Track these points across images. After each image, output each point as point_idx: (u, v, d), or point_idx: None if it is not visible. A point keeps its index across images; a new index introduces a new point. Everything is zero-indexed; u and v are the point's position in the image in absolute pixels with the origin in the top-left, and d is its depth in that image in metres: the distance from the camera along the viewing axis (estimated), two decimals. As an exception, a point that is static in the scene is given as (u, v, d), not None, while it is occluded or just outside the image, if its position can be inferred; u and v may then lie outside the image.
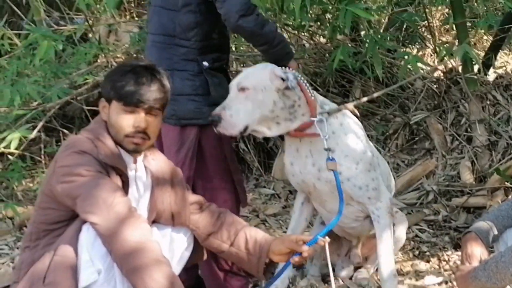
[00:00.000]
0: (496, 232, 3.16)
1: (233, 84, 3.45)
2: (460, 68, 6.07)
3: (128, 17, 7.61)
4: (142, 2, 7.83)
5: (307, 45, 6.77)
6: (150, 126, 3.02)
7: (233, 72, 5.67)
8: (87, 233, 2.86)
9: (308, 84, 3.63)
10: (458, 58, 5.26)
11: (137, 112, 2.98)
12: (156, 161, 3.21)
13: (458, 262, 4.29)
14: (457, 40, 6.14)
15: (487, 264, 2.86)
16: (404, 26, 7.25)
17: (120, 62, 5.79)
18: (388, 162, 5.95)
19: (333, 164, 3.46)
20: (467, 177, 5.53)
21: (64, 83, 5.81)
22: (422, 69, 6.40)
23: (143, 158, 3.16)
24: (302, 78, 3.62)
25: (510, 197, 5.07)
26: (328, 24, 5.91)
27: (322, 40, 6.88)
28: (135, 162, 3.12)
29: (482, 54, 6.83)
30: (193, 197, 3.34)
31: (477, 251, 3.07)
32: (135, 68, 3.03)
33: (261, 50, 3.88)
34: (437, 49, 6.40)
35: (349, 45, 6.18)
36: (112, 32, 7.29)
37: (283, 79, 3.42)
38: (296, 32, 6.69)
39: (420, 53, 7.55)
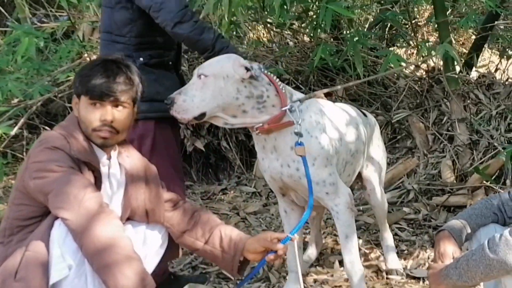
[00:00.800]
0: (469, 231, 3.16)
1: (195, 72, 3.45)
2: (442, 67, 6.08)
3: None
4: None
5: (291, 43, 6.77)
6: (117, 120, 3.02)
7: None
8: (59, 228, 2.85)
9: (276, 78, 3.61)
10: (439, 57, 5.26)
11: (103, 105, 2.99)
12: (131, 158, 3.20)
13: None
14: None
15: (458, 262, 2.87)
16: (389, 25, 7.27)
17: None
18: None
19: (300, 149, 3.42)
20: (448, 176, 5.53)
21: (46, 80, 5.80)
22: (405, 68, 6.41)
23: (117, 155, 3.15)
24: (270, 72, 3.63)
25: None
26: (309, 22, 5.91)
27: (306, 38, 6.89)
28: (109, 158, 3.11)
29: (470, 52, 6.84)
30: (167, 195, 3.34)
31: (450, 249, 3.07)
32: (103, 62, 3.05)
33: (204, 57, 3.88)
34: (419, 47, 6.40)
35: (332, 43, 6.19)
36: (96, 30, 7.28)
37: (247, 69, 3.39)
38: (280, 30, 6.69)
39: (405, 51, 7.58)
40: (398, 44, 7.09)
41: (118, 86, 3.00)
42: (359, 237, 4.73)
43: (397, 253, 4.63)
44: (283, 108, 3.46)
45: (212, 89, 3.35)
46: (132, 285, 2.74)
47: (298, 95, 3.64)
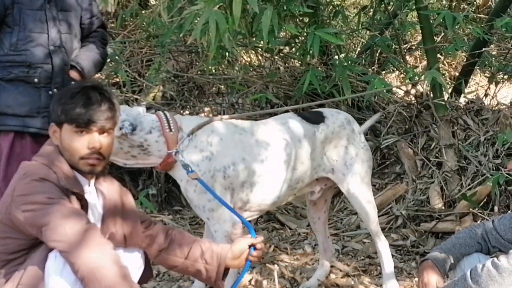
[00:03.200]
0: (452, 261, 3.16)
1: None
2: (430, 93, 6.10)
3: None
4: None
5: (281, 68, 6.79)
6: (104, 146, 3.00)
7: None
8: (55, 261, 2.79)
9: (169, 117, 3.81)
10: (427, 83, 5.27)
11: (90, 132, 2.97)
12: (107, 183, 3.18)
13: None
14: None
15: (441, 293, 2.87)
16: (379, 50, 7.29)
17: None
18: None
19: (193, 174, 3.65)
20: (436, 202, 5.53)
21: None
22: (393, 93, 6.43)
23: (94, 181, 3.14)
24: (166, 113, 3.85)
25: (476, 223, 5.08)
26: (298, 48, 5.93)
27: (297, 63, 6.91)
28: (89, 185, 3.10)
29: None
30: (141, 216, 3.33)
31: (433, 279, 3.07)
32: (83, 89, 3.01)
33: None
34: (405, 72, 6.42)
35: (320, 69, 6.21)
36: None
37: (120, 128, 3.62)
38: (270, 55, 6.71)
39: (397, 76, 7.61)
40: (386, 70, 7.10)
41: (103, 113, 2.98)
42: (347, 264, 4.73)
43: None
44: (169, 152, 3.73)
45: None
46: None
47: (192, 123, 3.86)
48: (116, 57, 6.23)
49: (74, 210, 2.85)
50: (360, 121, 6.43)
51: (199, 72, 6.62)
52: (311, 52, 5.32)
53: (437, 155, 5.93)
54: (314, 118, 4.16)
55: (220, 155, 3.80)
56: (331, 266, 4.53)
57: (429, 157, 5.97)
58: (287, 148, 3.95)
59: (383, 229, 5.43)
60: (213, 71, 6.64)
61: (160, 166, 3.79)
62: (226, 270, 3.26)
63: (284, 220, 5.78)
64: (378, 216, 5.56)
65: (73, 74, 4.05)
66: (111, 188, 3.18)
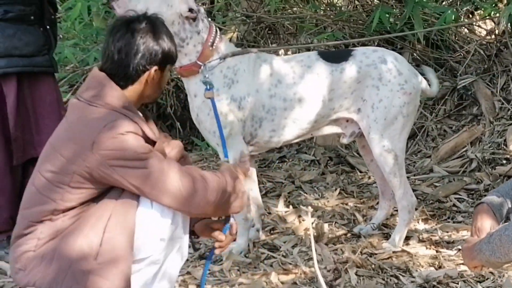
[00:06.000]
0: (510, 205, 2.97)
1: None
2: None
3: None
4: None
5: (350, 6, 6.57)
6: None
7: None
8: (152, 209, 2.77)
9: (219, 33, 3.84)
10: (504, 20, 4.99)
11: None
12: None
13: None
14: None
15: (491, 237, 2.68)
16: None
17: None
18: (434, 128, 5.83)
19: (209, 93, 3.69)
20: (514, 144, 5.28)
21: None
22: (473, 32, 6.15)
23: None
24: (217, 30, 3.86)
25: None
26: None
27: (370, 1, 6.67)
28: None
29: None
30: None
31: (487, 224, 2.88)
32: (162, 23, 2.91)
33: None
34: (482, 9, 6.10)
35: (394, 6, 5.98)
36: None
37: (190, 10, 3.65)
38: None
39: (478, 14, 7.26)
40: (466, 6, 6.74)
41: None
42: (415, 208, 4.57)
43: (454, 222, 4.46)
44: (198, 62, 3.75)
45: (154, 7, 3.53)
46: None
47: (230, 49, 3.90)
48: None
49: (171, 163, 2.77)
50: (437, 61, 6.23)
51: (268, 12, 6.45)
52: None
53: None
54: (335, 57, 4.03)
55: (239, 85, 3.85)
56: (396, 210, 4.37)
57: (508, 98, 5.69)
58: (295, 87, 3.90)
59: (456, 172, 5.26)
60: (280, 10, 6.46)
61: (180, 68, 3.80)
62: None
63: (355, 163, 5.65)
64: (452, 159, 5.46)
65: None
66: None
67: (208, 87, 3.69)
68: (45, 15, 3.97)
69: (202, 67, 3.75)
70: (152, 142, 2.80)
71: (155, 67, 2.80)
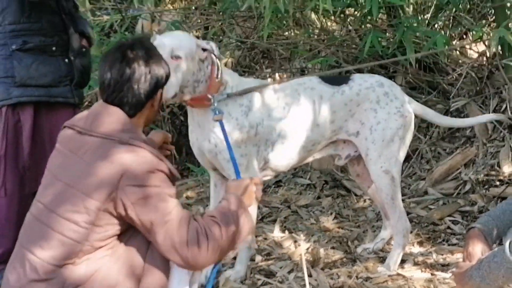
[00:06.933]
0: (502, 228, 3.01)
1: (166, 51, 3.49)
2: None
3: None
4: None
5: (344, 31, 6.64)
6: None
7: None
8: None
9: (220, 64, 3.81)
10: (494, 43, 5.04)
11: None
12: None
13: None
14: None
15: (481, 264, 2.73)
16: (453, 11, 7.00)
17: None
18: (428, 150, 5.87)
19: (218, 116, 3.68)
20: (507, 166, 5.32)
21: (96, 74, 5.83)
22: (464, 55, 6.21)
23: None
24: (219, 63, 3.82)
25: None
26: (359, 9, 5.78)
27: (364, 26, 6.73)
28: None
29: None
30: None
31: (478, 249, 2.93)
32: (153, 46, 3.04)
33: None
34: (473, 32, 6.16)
35: (387, 30, 6.04)
36: (155, 22, 7.31)
37: (204, 50, 3.67)
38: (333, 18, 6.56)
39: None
40: (456, 30, 6.79)
41: None
42: (410, 231, 4.60)
43: (449, 245, 4.50)
44: (208, 95, 3.73)
45: (184, 71, 3.60)
46: None
47: (235, 79, 3.90)
48: (177, 24, 6.19)
49: (185, 214, 2.78)
50: (430, 84, 6.28)
51: (260, 38, 6.51)
52: (371, 13, 5.15)
53: (509, 117, 5.68)
54: (336, 80, 4.11)
55: (255, 111, 3.86)
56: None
57: (500, 120, 5.73)
58: (300, 110, 3.95)
59: (450, 195, 5.30)
60: (272, 36, 6.53)
61: (191, 100, 3.77)
62: None
63: (350, 187, 5.69)
64: (446, 181, 5.50)
65: (84, 42, 4.11)
66: None
67: (217, 112, 3.69)
68: (70, 46, 4.01)
69: (212, 99, 3.74)
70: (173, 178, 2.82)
71: (160, 90, 2.90)
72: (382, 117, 4.01)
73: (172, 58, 3.51)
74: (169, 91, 3.46)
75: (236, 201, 2.90)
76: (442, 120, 4.45)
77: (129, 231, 2.79)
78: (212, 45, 3.73)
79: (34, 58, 3.88)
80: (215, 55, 3.71)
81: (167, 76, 2.93)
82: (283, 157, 3.98)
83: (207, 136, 3.82)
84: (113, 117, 2.79)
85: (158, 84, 2.87)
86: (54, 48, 3.94)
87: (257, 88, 3.92)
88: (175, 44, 3.57)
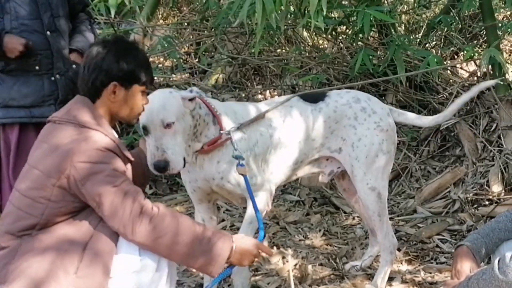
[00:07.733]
0: (490, 246, 3.01)
1: (156, 123, 3.41)
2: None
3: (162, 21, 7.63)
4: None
5: (335, 48, 6.66)
6: None
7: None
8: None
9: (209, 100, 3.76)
10: (485, 62, 5.07)
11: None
12: None
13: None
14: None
15: (469, 281, 2.73)
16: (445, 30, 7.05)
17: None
18: (418, 169, 5.87)
19: (243, 169, 3.56)
20: (496, 185, 5.33)
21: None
22: (455, 74, 6.22)
23: None
24: (202, 93, 3.74)
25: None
26: (351, 27, 5.80)
27: (355, 44, 6.76)
28: None
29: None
30: None
31: (467, 267, 2.93)
32: (135, 46, 3.14)
33: None
34: (464, 51, 6.19)
35: (379, 49, 6.06)
36: (147, 37, 7.31)
37: (190, 100, 3.55)
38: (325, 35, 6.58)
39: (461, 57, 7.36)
40: (448, 49, 6.84)
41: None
42: (398, 249, 4.59)
43: (437, 263, 4.49)
44: (222, 132, 3.65)
45: (182, 132, 3.49)
46: None
47: (220, 107, 3.79)
48: (169, 39, 6.19)
49: (132, 189, 2.90)
50: (420, 103, 6.30)
51: (252, 54, 6.52)
52: (363, 31, 5.17)
53: (499, 136, 5.70)
54: (313, 97, 4.08)
55: (251, 135, 3.80)
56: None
57: (490, 139, 5.75)
58: (281, 128, 3.91)
59: (439, 213, 5.30)
60: (264, 52, 6.54)
61: (208, 146, 3.65)
62: None
63: (339, 204, 5.68)
64: (436, 200, 5.50)
65: (74, 56, 4.08)
66: None
67: (240, 162, 3.57)
68: (54, 65, 4.01)
69: (228, 135, 3.65)
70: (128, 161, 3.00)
71: (114, 83, 2.97)
72: (362, 133, 3.98)
73: (165, 128, 3.42)
74: (176, 163, 3.42)
75: (219, 239, 2.96)
76: (423, 121, 4.35)
77: (86, 210, 2.93)
78: (195, 90, 3.65)
79: (16, 79, 3.92)
80: (201, 96, 3.66)
81: (125, 72, 2.99)
82: (273, 176, 3.93)
83: (210, 174, 3.73)
84: (78, 104, 2.99)
85: (109, 75, 2.98)
86: (37, 68, 3.95)
87: (262, 114, 3.88)
88: (162, 113, 3.43)
